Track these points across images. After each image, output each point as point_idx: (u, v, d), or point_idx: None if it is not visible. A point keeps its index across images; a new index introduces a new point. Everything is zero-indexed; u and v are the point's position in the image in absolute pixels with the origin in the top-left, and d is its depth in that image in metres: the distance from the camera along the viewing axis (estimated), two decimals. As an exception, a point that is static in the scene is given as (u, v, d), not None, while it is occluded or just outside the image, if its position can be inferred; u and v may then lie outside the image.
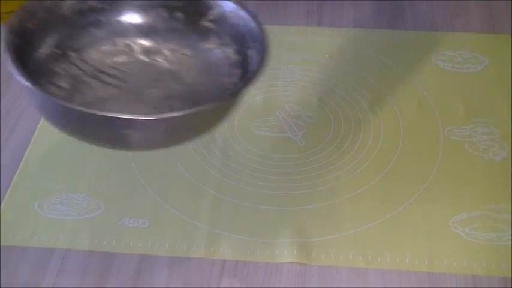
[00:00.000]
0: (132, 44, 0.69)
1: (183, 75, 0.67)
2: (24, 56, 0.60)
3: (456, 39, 0.89)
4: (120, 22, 0.69)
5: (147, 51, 0.69)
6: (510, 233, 0.65)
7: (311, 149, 0.75)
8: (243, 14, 0.65)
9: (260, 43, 0.62)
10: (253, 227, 0.67)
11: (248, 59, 0.64)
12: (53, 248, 0.66)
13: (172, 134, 0.59)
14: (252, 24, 0.64)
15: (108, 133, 0.57)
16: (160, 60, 0.68)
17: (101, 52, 0.68)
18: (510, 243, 0.64)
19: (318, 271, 0.63)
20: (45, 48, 0.65)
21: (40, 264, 0.64)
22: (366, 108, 0.79)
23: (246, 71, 0.63)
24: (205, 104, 0.58)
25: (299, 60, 0.82)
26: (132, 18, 0.69)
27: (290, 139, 0.76)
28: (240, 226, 0.67)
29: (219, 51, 0.68)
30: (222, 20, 0.67)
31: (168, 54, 0.69)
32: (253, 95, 0.80)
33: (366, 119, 0.78)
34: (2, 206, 0.70)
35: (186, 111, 0.55)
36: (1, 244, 0.66)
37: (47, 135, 0.77)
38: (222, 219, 0.68)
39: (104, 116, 0.54)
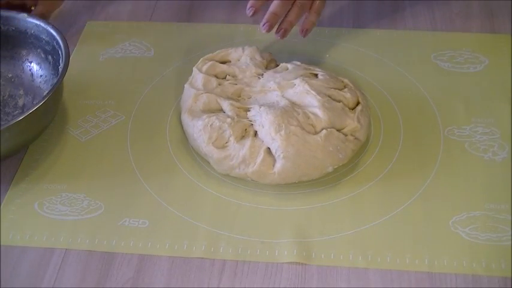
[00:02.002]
0: None
1: None
2: None
3: (456, 39, 0.89)
4: None
5: None
6: (510, 233, 0.65)
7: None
8: None
9: None
10: (253, 227, 0.67)
11: None
12: (53, 248, 0.66)
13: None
14: None
15: None
16: None
17: None
18: (510, 243, 0.64)
19: (318, 271, 0.63)
20: None
21: (40, 264, 0.65)
22: (366, 108, 0.79)
23: None
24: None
25: (299, 60, 0.82)
26: None
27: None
28: (240, 226, 0.67)
29: None
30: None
31: None
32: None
33: (366, 119, 0.78)
34: (2, 206, 0.70)
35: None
36: (1, 244, 0.66)
37: (47, 135, 0.77)
38: (222, 219, 0.68)
39: None
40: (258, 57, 0.80)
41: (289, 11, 0.78)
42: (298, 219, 0.67)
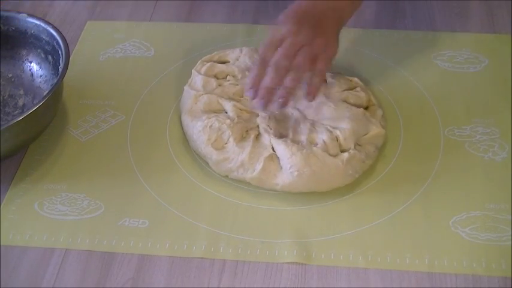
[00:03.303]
0: None
1: None
2: None
3: (456, 39, 0.89)
4: None
5: None
6: (510, 233, 0.65)
7: (311, 149, 0.75)
8: None
9: None
10: (253, 227, 0.67)
11: None
12: (53, 248, 0.66)
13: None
14: None
15: None
16: None
17: None
18: (510, 243, 0.64)
19: (318, 271, 0.63)
20: None
21: (40, 264, 0.65)
22: (366, 108, 0.79)
23: None
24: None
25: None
26: None
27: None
28: (240, 226, 0.67)
29: None
30: None
31: None
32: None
33: (366, 119, 0.78)
34: (2, 206, 0.70)
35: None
36: (1, 244, 0.66)
37: (46, 135, 0.77)
38: (222, 219, 0.68)
39: None
40: (256, 57, 0.79)
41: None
42: (298, 220, 0.67)
